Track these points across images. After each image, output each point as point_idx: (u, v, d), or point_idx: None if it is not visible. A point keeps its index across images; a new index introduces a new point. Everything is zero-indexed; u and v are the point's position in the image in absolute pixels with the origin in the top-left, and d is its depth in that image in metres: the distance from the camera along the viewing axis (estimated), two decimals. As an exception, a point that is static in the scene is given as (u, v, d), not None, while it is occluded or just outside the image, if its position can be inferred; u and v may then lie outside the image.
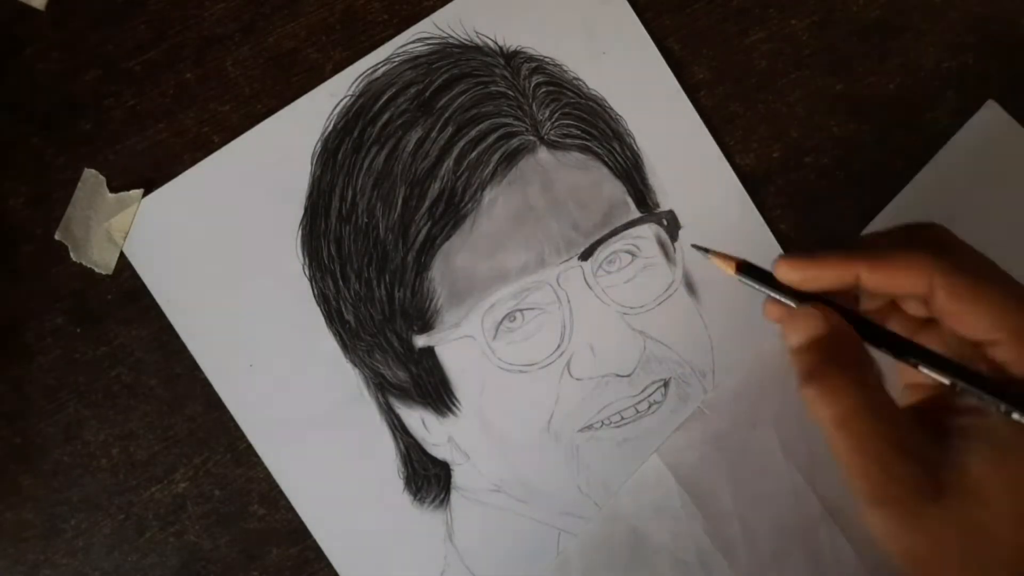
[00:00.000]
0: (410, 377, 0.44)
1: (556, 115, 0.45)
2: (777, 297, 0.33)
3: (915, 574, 0.29)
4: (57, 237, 0.44)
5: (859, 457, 0.29)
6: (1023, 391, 0.29)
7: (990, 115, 0.46)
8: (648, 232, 0.45)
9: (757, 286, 0.34)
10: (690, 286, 0.45)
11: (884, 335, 0.31)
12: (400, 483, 0.44)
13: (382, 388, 0.44)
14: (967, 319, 0.29)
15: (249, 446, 0.43)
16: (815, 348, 0.30)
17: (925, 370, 0.30)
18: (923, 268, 0.30)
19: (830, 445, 0.29)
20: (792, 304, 0.32)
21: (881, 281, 0.30)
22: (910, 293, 0.31)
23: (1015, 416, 0.28)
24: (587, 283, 0.44)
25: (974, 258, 0.31)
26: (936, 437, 0.29)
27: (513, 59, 0.45)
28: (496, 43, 0.45)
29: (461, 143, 0.44)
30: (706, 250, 0.35)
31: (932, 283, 0.29)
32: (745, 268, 0.34)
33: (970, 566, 0.28)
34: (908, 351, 0.31)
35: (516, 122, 0.44)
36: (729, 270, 0.34)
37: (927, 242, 0.31)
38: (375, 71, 0.45)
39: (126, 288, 0.44)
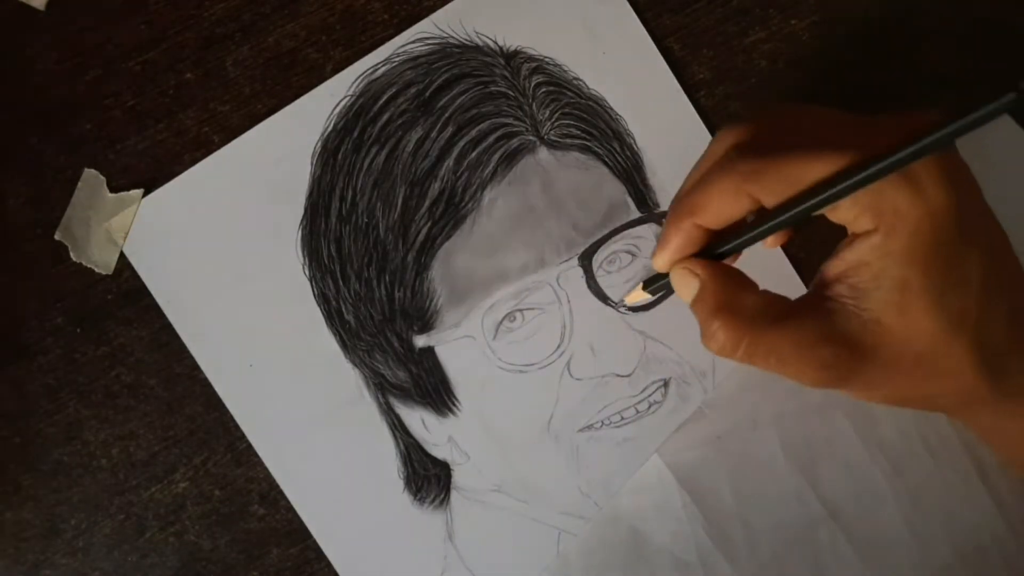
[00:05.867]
0: (410, 377, 0.44)
1: (556, 115, 0.45)
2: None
3: (930, 405, 0.33)
4: (57, 237, 0.44)
5: (792, 368, 0.31)
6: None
7: (990, 115, 0.46)
8: (648, 232, 0.45)
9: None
10: (690, 286, 0.45)
11: (745, 233, 0.32)
12: (400, 483, 0.44)
13: (382, 388, 0.44)
14: (765, 188, 0.31)
15: (249, 446, 0.43)
16: (700, 302, 0.32)
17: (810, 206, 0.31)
18: (727, 192, 0.31)
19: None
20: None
21: (716, 218, 0.32)
22: (748, 210, 0.32)
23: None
24: (587, 283, 0.44)
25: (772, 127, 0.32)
26: (842, 317, 0.31)
27: (513, 59, 0.45)
28: (496, 43, 0.45)
29: (461, 143, 0.44)
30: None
31: (745, 195, 0.31)
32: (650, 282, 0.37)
33: (937, 349, 0.30)
34: (776, 220, 0.31)
35: (516, 122, 0.44)
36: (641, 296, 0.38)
37: (725, 163, 0.32)
38: (375, 71, 0.45)
39: (126, 288, 0.44)
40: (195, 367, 0.43)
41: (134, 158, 0.44)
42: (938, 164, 0.29)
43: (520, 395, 0.44)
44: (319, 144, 0.44)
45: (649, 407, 0.44)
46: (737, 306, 0.32)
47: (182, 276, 0.44)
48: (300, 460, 0.43)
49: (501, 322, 0.43)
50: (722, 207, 0.32)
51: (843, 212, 0.30)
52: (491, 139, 0.44)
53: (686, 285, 0.33)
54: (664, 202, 0.46)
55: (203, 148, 0.44)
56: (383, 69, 0.45)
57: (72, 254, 0.44)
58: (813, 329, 0.31)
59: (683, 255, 0.33)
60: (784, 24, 0.47)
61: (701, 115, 0.46)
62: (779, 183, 0.30)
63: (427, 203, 0.43)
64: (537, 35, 0.46)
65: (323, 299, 0.44)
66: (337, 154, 0.44)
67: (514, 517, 0.44)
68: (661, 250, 0.34)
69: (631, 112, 0.46)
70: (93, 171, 0.44)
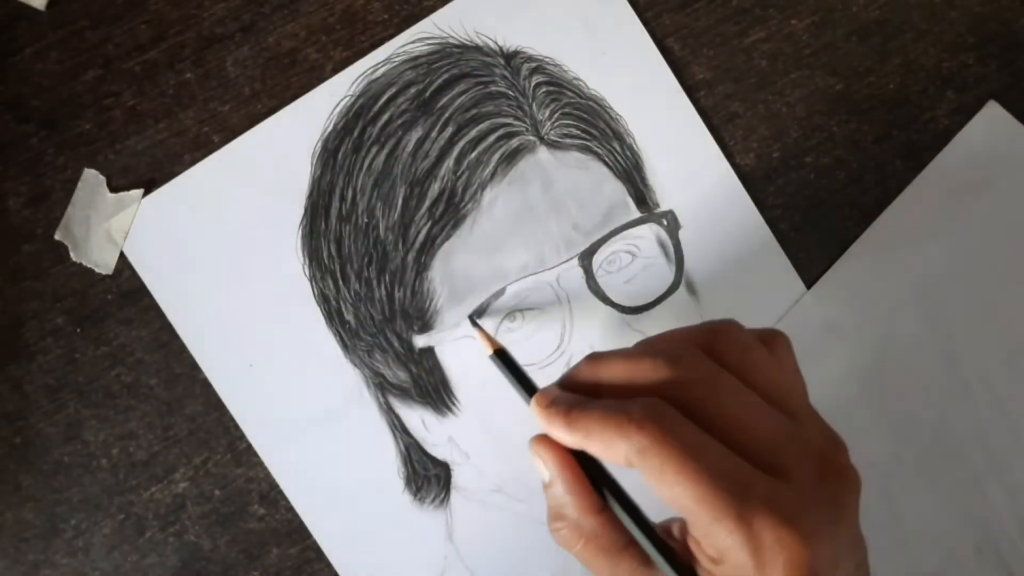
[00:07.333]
0: (410, 377, 0.44)
1: (556, 115, 0.45)
2: (523, 399, 0.34)
3: None
4: (57, 237, 0.44)
5: None
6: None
7: (991, 115, 0.46)
8: (648, 232, 0.45)
9: (508, 378, 0.36)
10: (690, 286, 0.45)
11: (605, 480, 0.32)
12: (400, 483, 0.44)
13: (382, 388, 0.44)
14: (662, 494, 0.29)
15: (249, 446, 0.43)
16: (549, 488, 0.33)
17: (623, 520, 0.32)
18: (618, 449, 0.29)
19: None
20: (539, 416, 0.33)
21: (598, 453, 0.31)
22: (622, 464, 0.30)
23: None
24: (587, 283, 0.44)
25: (683, 436, 0.29)
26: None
27: (513, 59, 0.45)
28: (496, 43, 0.45)
29: (461, 143, 0.44)
30: (476, 325, 0.38)
31: (628, 460, 0.29)
32: (501, 356, 0.36)
33: None
34: (620, 503, 0.32)
35: (516, 122, 0.44)
36: (488, 348, 0.37)
37: (643, 411, 0.29)
38: (375, 71, 0.45)
39: (126, 288, 0.44)
40: (195, 367, 0.43)
41: (134, 158, 0.44)
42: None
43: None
44: (319, 144, 0.44)
45: (649, 407, 0.44)
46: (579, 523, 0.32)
47: (182, 276, 0.44)
48: (300, 460, 0.43)
49: (501, 322, 0.43)
50: (611, 458, 0.30)
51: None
52: (491, 139, 0.44)
53: (539, 467, 0.33)
54: (664, 202, 0.46)
55: (203, 148, 0.44)
56: (383, 69, 0.45)
57: (72, 254, 0.44)
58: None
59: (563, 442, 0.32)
60: (784, 24, 0.47)
61: (701, 115, 0.46)
62: (668, 499, 0.29)
63: (427, 203, 0.43)
64: (537, 35, 0.46)
65: (323, 299, 0.44)
66: (337, 154, 0.44)
67: (514, 517, 0.44)
68: (547, 417, 0.32)
69: (631, 112, 0.46)
70: (93, 171, 0.44)
